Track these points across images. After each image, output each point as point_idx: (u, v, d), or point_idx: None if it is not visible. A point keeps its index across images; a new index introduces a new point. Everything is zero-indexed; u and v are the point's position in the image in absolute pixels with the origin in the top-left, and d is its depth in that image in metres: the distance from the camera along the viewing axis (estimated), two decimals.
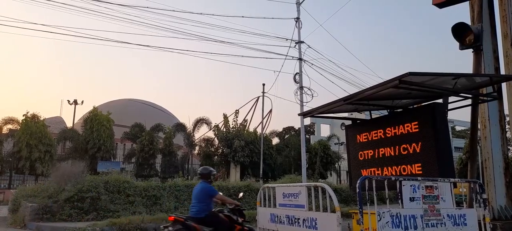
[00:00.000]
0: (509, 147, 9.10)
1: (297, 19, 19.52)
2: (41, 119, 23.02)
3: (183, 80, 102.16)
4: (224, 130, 26.69)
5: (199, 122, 26.63)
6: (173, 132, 25.92)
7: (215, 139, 26.88)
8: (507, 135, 9.35)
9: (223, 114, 27.13)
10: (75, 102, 33.03)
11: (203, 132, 27.80)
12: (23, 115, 22.41)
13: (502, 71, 8.90)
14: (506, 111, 9.29)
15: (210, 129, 26.85)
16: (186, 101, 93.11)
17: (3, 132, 22.88)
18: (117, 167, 22.40)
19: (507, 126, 9.58)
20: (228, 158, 25.18)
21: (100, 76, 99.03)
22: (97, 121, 23.97)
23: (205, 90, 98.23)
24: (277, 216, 6.13)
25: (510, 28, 9.13)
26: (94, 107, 25.22)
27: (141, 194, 13.14)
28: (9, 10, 68.88)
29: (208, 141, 26.96)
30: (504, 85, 8.78)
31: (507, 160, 8.71)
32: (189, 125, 26.84)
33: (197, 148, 27.40)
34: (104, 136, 23.80)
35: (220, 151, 26.31)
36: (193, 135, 26.73)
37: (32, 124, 22.01)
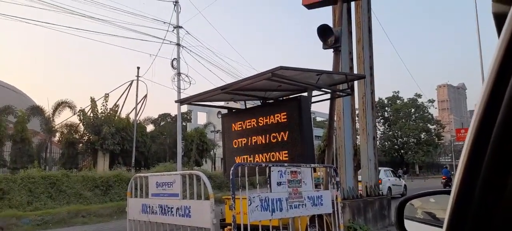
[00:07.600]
0: (357, 136, 10.68)
1: (176, 3, 19.01)
2: None
3: (44, 57, 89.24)
4: (92, 115, 24.41)
5: (61, 105, 23.67)
6: (27, 116, 22.44)
7: (81, 124, 24.37)
8: (357, 126, 10.97)
9: (91, 97, 24.77)
10: None
11: (65, 117, 24.79)
12: None
13: (355, 71, 10.33)
14: (356, 106, 10.86)
15: (75, 114, 24.19)
16: (46, 81, 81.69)
17: None
18: None
19: (356, 118, 11.21)
20: (95, 145, 23.15)
21: None
22: None
23: (70, 71, 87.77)
24: (149, 206, 5.90)
25: (362, 33, 10.65)
26: None
27: None
28: None
29: (71, 127, 24.22)
30: (356, 83, 10.20)
31: (355, 148, 10.19)
32: (48, 108, 23.64)
33: (58, 134, 24.35)
34: None
35: (86, 138, 24.00)
36: (53, 119, 23.67)
37: None
